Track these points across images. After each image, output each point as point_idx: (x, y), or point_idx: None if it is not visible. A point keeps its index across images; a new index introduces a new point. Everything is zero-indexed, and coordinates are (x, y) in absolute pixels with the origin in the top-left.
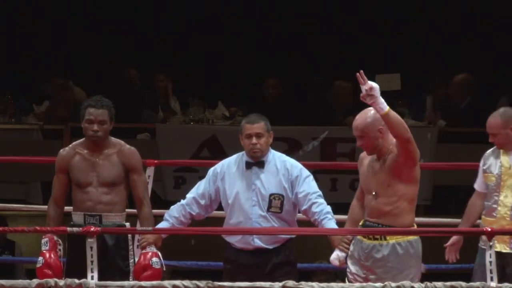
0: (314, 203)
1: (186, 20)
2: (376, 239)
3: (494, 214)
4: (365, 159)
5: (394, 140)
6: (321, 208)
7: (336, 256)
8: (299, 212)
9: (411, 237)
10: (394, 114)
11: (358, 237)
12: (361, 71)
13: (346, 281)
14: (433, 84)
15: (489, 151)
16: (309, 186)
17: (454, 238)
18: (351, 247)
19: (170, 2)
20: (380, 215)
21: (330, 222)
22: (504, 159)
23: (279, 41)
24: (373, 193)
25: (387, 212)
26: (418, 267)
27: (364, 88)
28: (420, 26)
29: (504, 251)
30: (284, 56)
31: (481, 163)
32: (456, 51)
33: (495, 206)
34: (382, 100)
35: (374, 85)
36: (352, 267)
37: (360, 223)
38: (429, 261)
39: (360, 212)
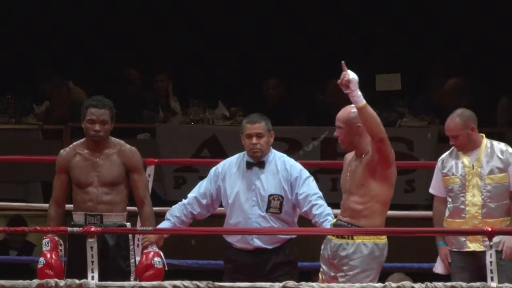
0: (314, 205)
1: (186, 20)
2: (344, 237)
3: (463, 215)
4: (348, 158)
5: None
6: (322, 210)
7: None
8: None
9: (378, 240)
10: (370, 111)
11: (328, 236)
12: (343, 61)
13: (320, 279)
14: (433, 84)
15: (445, 154)
16: (309, 187)
17: (445, 253)
18: (322, 246)
19: (170, 2)
20: (351, 215)
21: (329, 224)
22: (466, 159)
23: (279, 41)
24: (347, 191)
25: (359, 212)
26: (378, 271)
27: (343, 77)
28: (420, 26)
29: (478, 249)
30: (284, 56)
31: (438, 168)
32: (456, 51)
33: (462, 207)
34: (359, 94)
35: (353, 78)
36: (323, 267)
37: (333, 222)
38: (429, 261)
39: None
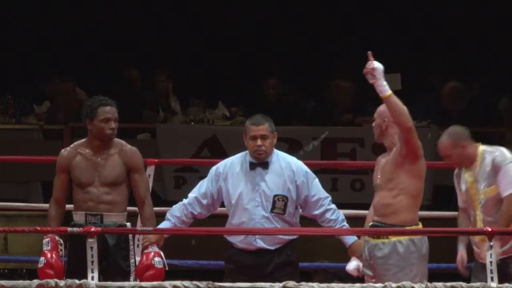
0: (328, 209)
1: (186, 20)
2: (379, 237)
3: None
4: (380, 159)
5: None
6: (337, 216)
7: (355, 265)
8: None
9: (413, 235)
10: (396, 100)
11: (366, 237)
12: (370, 51)
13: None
14: (433, 84)
15: (457, 169)
16: (319, 190)
17: (462, 257)
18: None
19: (170, 2)
20: (382, 213)
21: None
22: (467, 175)
23: (279, 41)
24: (378, 188)
25: (388, 207)
26: (422, 267)
27: (368, 65)
28: (420, 26)
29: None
30: (284, 56)
31: (455, 182)
32: (456, 52)
33: (473, 221)
34: (384, 83)
35: (378, 66)
36: (363, 268)
37: (370, 224)
38: (430, 260)
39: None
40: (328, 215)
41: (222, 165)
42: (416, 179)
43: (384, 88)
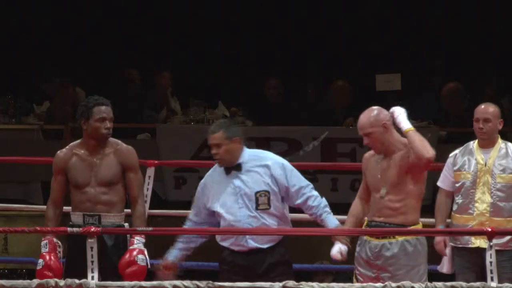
0: (309, 196)
1: (186, 20)
2: (385, 237)
3: (471, 212)
4: (371, 158)
5: (402, 138)
6: (319, 202)
7: (338, 249)
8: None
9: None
10: (417, 133)
11: (365, 237)
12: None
13: (354, 281)
14: (433, 84)
15: (457, 150)
16: (298, 179)
17: (439, 239)
18: (357, 248)
19: (170, 2)
20: (388, 214)
21: (329, 216)
22: (479, 156)
23: (279, 41)
24: (381, 191)
25: (396, 209)
26: (426, 264)
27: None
28: (420, 26)
29: (483, 246)
30: (284, 56)
31: (449, 163)
32: (456, 52)
33: (472, 203)
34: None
35: (396, 108)
36: (360, 269)
37: (364, 224)
38: (429, 261)
39: (362, 211)
40: (310, 202)
41: (205, 177)
42: (421, 184)
43: (407, 123)
